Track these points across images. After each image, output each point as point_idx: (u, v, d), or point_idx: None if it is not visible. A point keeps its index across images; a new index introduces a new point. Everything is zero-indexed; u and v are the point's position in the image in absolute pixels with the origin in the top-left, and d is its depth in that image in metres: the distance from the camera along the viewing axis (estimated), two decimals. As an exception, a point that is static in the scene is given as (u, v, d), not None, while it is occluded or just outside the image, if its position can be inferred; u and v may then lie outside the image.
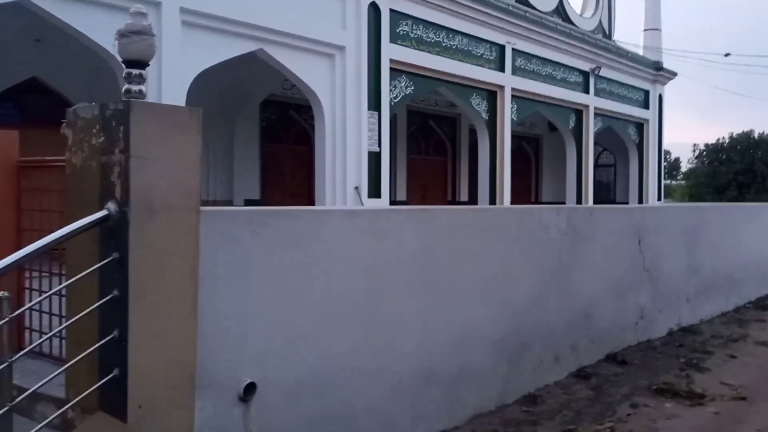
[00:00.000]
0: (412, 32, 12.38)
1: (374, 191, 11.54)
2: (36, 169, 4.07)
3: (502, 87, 14.64)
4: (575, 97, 17.27)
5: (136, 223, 2.59)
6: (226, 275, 3.07)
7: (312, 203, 12.01)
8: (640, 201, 20.55)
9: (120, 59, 2.74)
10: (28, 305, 3.62)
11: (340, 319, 3.65)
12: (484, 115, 14.47)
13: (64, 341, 3.41)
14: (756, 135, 34.51)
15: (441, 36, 13.02)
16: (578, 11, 18.44)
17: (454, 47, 13.36)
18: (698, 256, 8.17)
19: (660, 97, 21.34)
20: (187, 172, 2.76)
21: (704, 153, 36.40)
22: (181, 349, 2.79)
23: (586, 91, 17.73)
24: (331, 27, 10.78)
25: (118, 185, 2.61)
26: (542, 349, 5.29)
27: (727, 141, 35.15)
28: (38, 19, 7.99)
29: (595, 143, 19.02)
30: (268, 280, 3.27)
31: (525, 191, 21.23)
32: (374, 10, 11.39)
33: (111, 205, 2.61)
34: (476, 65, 13.95)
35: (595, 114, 18.17)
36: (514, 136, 16.07)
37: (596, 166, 20.87)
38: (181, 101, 8.43)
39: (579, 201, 17.71)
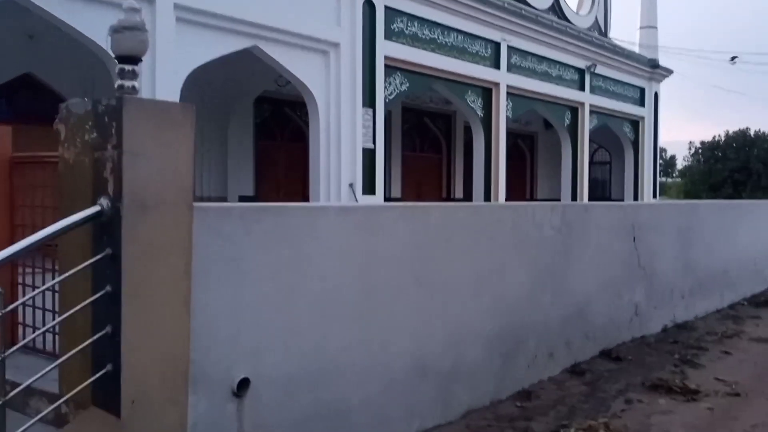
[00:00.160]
0: (407, 29, 12.37)
1: (369, 188, 11.54)
2: (29, 165, 4.06)
3: (497, 84, 14.65)
4: (571, 94, 17.29)
5: (128, 219, 2.59)
6: (219, 271, 3.06)
7: (306, 200, 12.00)
8: (636, 198, 20.61)
9: (113, 55, 2.73)
10: (20, 300, 3.61)
11: (334, 315, 3.65)
12: (480, 113, 14.47)
13: (57, 337, 3.41)
14: (752, 133, 34.67)
15: (436, 33, 13.01)
16: (574, 9, 18.46)
17: (449, 44, 13.36)
18: (693, 253, 8.20)
19: (656, 95, 21.39)
20: (181, 168, 2.76)
21: (700, 151, 36.56)
22: (174, 344, 2.78)
23: (582, 88, 17.75)
24: (325, 24, 10.76)
25: (110, 181, 2.61)
26: (536, 345, 5.30)
27: (722, 139, 35.30)
28: (31, 16, 7.96)
29: (591, 141, 19.06)
30: (262, 276, 3.27)
31: (520, 188, 21.26)
32: (369, 7, 11.38)
33: (104, 201, 2.60)
34: (471, 62, 13.95)
35: (591, 111, 18.19)
36: (510, 134, 16.09)
37: (591, 163, 20.91)
38: (175, 98, 8.41)
39: (574, 198, 17.75)
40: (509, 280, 5.05)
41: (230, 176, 13.61)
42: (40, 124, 5.31)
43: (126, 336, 2.61)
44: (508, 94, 14.99)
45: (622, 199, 20.33)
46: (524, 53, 15.55)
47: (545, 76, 16.40)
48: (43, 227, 2.61)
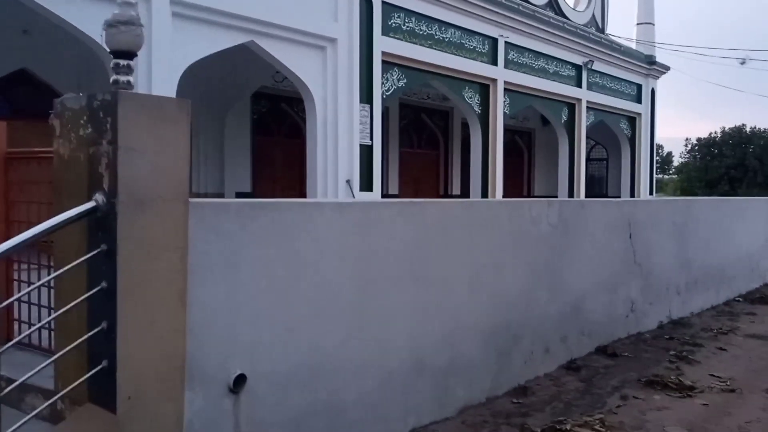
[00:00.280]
0: (404, 25, 12.34)
1: (366, 185, 11.53)
2: (24, 161, 4.05)
3: (494, 80, 14.64)
4: (568, 90, 17.29)
5: (124, 215, 2.58)
6: (215, 267, 3.06)
7: (304, 196, 11.99)
8: (632, 195, 20.63)
9: (108, 50, 2.72)
10: (15, 296, 3.60)
11: (331, 312, 3.65)
12: (477, 109, 14.46)
13: (53, 333, 3.40)
14: (748, 129, 34.73)
15: (433, 29, 12.99)
16: (571, 4, 18.44)
17: (446, 40, 13.33)
18: (689, 250, 8.22)
19: (653, 91, 21.40)
20: (176, 163, 2.75)
21: (696, 147, 36.63)
22: (170, 340, 2.78)
23: (579, 84, 17.75)
24: (322, 19, 10.73)
25: (105, 176, 2.59)
26: (533, 341, 5.31)
27: (719, 135, 35.36)
28: (26, 10, 7.91)
29: (588, 137, 19.06)
30: (258, 272, 3.27)
31: (517, 185, 21.27)
32: (366, 2, 11.34)
33: (99, 197, 2.59)
34: (469, 58, 13.93)
35: (588, 108, 18.20)
36: (507, 130, 16.08)
37: (588, 160, 20.93)
38: (171, 93, 8.38)
39: (571, 195, 17.77)
40: (506, 277, 5.05)
41: (227, 172, 13.59)
42: (35, 120, 5.29)
43: (122, 332, 2.60)
44: (506, 90, 14.98)
45: (619, 196, 20.36)
46: (521, 49, 15.53)
47: (542, 73, 16.39)
48: (39, 223, 2.60)
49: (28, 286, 3.90)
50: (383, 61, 11.78)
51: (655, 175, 22.67)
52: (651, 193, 21.78)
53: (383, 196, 13.38)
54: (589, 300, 6.16)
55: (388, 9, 11.89)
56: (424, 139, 18.62)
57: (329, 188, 10.91)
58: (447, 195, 18.86)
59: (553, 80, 16.72)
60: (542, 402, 4.78)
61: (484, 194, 14.59)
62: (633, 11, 21.50)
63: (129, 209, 2.59)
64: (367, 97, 11.44)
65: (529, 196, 21.96)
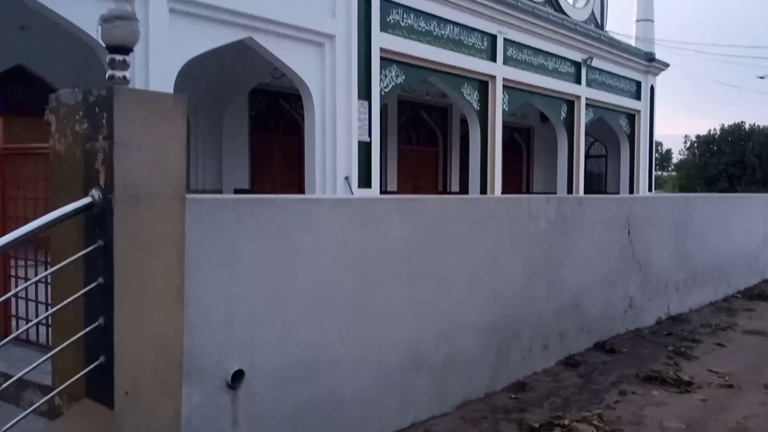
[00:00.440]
0: (402, 21, 12.32)
1: (365, 181, 11.52)
2: (21, 157, 4.03)
3: (493, 77, 14.62)
4: (567, 87, 17.28)
5: (120, 211, 2.57)
6: (212, 263, 3.05)
7: (302, 193, 11.98)
8: (631, 192, 20.65)
9: (103, 45, 2.71)
10: (12, 292, 3.60)
11: (329, 308, 3.64)
12: (476, 106, 14.45)
13: (50, 329, 3.39)
14: (747, 126, 34.72)
15: (432, 25, 12.97)
16: (570, 1, 18.42)
17: (445, 36, 13.31)
18: (688, 246, 8.23)
19: (652, 88, 21.40)
20: (172, 159, 2.74)
21: (695, 144, 36.61)
22: (168, 336, 2.78)
23: (578, 81, 17.74)
24: (320, 15, 10.71)
25: (102, 172, 2.59)
26: (531, 337, 5.31)
27: (718, 132, 35.35)
28: (22, 6, 7.89)
29: (587, 134, 19.06)
30: (256, 268, 3.26)
31: (516, 182, 21.28)
32: (365, -2, 11.33)
33: (95, 193, 2.59)
34: (467, 55, 13.91)
35: (587, 105, 18.19)
36: (506, 127, 16.08)
37: (587, 156, 20.94)
38: (168, 90, 8.36)
39: (570, 192, 17.77)
40: (504, 273, 5.05)
41: (225, 169, 13.57)
42: (32, 116, 5.28)
43: (119, 328, 2.60)
44: (505, 87, 14.97)
45: (618, 193, 20.37)
46: (520, 46, 15.52)
47: (541, 69, 16.37)
48: (35, 219, 2.60)
49: (25, 282, 3.89)
50: (382, 58, 11.76)
51: (654, 172, 22.69)
52: (650, 190, 21.80)
53: (382, 192, 13.38)
54: (588, 296, 6.17)
55: (387, 5, 11.87)
56: (422, 135, 18.60)
57: (328, 185, 10.90)
58: (446, 192, 18.85)
59: (552, 77, 16.71)
60: (540, 397, 4.79)
61: (483, 191, 14.59)
62: (632, 8, 21.50)
63: (125, 205, 2.58)
64: (365, 93, 11.42)
65: (527, 192, 21.97)
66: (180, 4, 8.70)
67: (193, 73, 9.95)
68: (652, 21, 21.41)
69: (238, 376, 3.17)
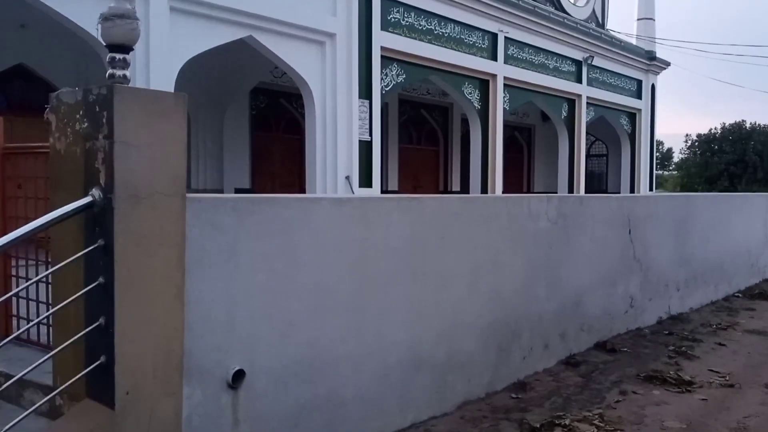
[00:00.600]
0: (403, 19, 12.31)
1: (365, 181, 11.52)
2: (21, 156, 4.03)
3: (494, 76, 14.61)
4: (568, 86, 17.26)
5: (120, 210, 2.57)
6: (212, 262, 3.05)
7: (303, 192, 11.98)
8: (632, 191, 20.63)
9: (104, 44, 2.70)
10: (13, 292, 3.59)
11: (329, 307, 3.64)
12: (477, 105, 14.44)
13: (51, 329, 3.39)
14: (748, 125, 34.66)
15: (433, 23, 12.96)
16: (571, 0, 18.40)
17: (446, 35, 13.30)
18: (688, 246, 8.22)
19: (653, 87, 21.37)
20: (173, 158, 2.74)
21: (696, 143, 36.54)
22: (168, 336, 2.77)
23: (579, 80, 17.72)
24: (321, 13, 10.70)
25: (102, 171, 2.58)
26: (532, 336, 5.31)
27: (719, 131, 35.29)
28: (23, 5, 7.89)
29: (588, 133, 19.05)
30: (256, 267, 3.26)
31: (517, 181, 21.26)
32: (365, -3, 11.32)
33: (95, 192, 2.58)
34: (468, 53, 13.90)
35: (588, 104, 18.17)
36: (507, 126, 16.06)
37: (588, 156, 20.92)
38: (169, 89, 8.36)
39: (571, 191, 17.76)
40: (504, 272, 5.04)
41: (226, 168, 13.57)
42: (33, 115, 5.28)
43: (119, 327, 2.60)
44: (506, 85, 14.96)
45: (619, 192, 20.36)
46: (521, 44, 15.50)
47: (542, 68, 16.36)
48: (36, 219, 2.59)
49: (26, 281, 3.89)
50: (382, 57, 11.75)
51: (654, 171, 22.67)
52: (651, 189, 21.78)
53: (382, 192, 13.37)
54: (588, 296, 6.16)
55: (387, 4, 11.86)
56: (423, 134, 18.59)
57: (328, 184, 10.90)
58: (447, 191, 18.85)
59: (553, 76, 16.69)
60: (541, 397, 4.78)
61: (484, 190, 14.58)
62: (633, 6, 21.48)
63: (125, 204, 2.58)
64: (366, 92, 11.41)
65: (528, 191, 21.96)
66: (180, 2, 8.69)
67: (194, 72, 9.95)
68: (653, 19, 21.39)
69: (239, 375, 3.17)
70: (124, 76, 2.66)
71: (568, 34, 16.82)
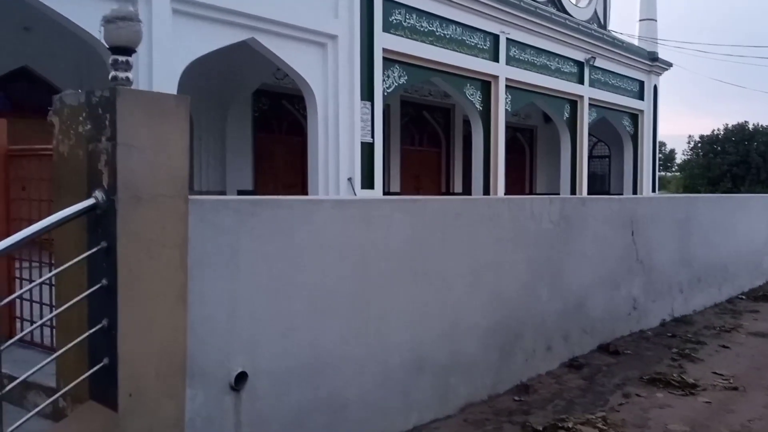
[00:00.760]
0: (405, 21, 12.32)
1: (367, 182, 11.52)
2: (25, 158, 4.04)
3: (496, 77, 14.61)
4: (570, 87, 17.26)
5: (123, 212, 2.57)
6: (215, 264, 3.05)
7: (305, 194, 11.98)
8: (635, 192, 20.61)
9: (106, 46, 2.70)
10: (16, 294, 3.60)
11: (331, 309, 3.64)
12: (478, 106, 14.44)
13: (54, 330, 3.40)
14: (750, 126, 34.60)
15: (434, 25, 12.96)
16: (573, 1, 18.40)
17: (447, 36, 13.31)
18: (691, 247, 8.20)
19: (655, 88, 21.36)
20: (175, 160, 2.74)
21: (699, 144, 36.49)
22: (171, 337, 2.77)
23: (581, 81, 17.71)
24: (323, 16, 10.71)
25: (105, 173, 2.59)
26: (534, 338, 5.30)
27: (722, 132, 35.24)
28: (27, 7, 7.91)
29: (590, 134, 19.03)
30: (258, 269, 3.26)
31: (519, 182, 21.26)
32: (367, -1, 11.33)
33: (98, 194, 2.58)
34: (470, 55, 13.91)
35: (590, 105, 18.16)
36: (509, 127, 16.06)
37: (591, 157, 20.90)
38: (172, 91, 8.37)
39: (573, 192, 17.74)
40: (507, 274, 5.03)
41: (229, 170, 13.58)
42: (36, 117, 5.28)
43: (122, 329, 2.60)
44: (507, 87, 14.96)
45: (621, 193, 20.34)
46: (523, 46, 15.50)
47: (544, 69, 16.35)
48: (39, 220, 2.60)
49: (29, 283, 3.90)
50: (384, 58, 11.76)
51: (657, 173, 22.65)
52: (653, 191, 21.76)
53: (385, 193, 13.37)
54: (591, 297, 6.15)
55: (389, 5, 11.87)
56: (425, 136, 18.60)
57: (331, 186, 10.90)
58: (449, 192, 18.84)
59: (555, 77, 16.69)
60: (544, 400, 4.77)
61: (486, 191, 14.58)
62: (635, 7, 21.47)
63: (128, 206, 2.58)
64: (368, 94, 11.42)
65: (530, 193, 21.94)
66: (183, 5, 8.71)
67: (197, 74, 9.96)
68: (655, 20, 21.38)
69: (241, 377, 3.16)
70: (127, 78, 2.66)
71: (570, 35, 16.82)
